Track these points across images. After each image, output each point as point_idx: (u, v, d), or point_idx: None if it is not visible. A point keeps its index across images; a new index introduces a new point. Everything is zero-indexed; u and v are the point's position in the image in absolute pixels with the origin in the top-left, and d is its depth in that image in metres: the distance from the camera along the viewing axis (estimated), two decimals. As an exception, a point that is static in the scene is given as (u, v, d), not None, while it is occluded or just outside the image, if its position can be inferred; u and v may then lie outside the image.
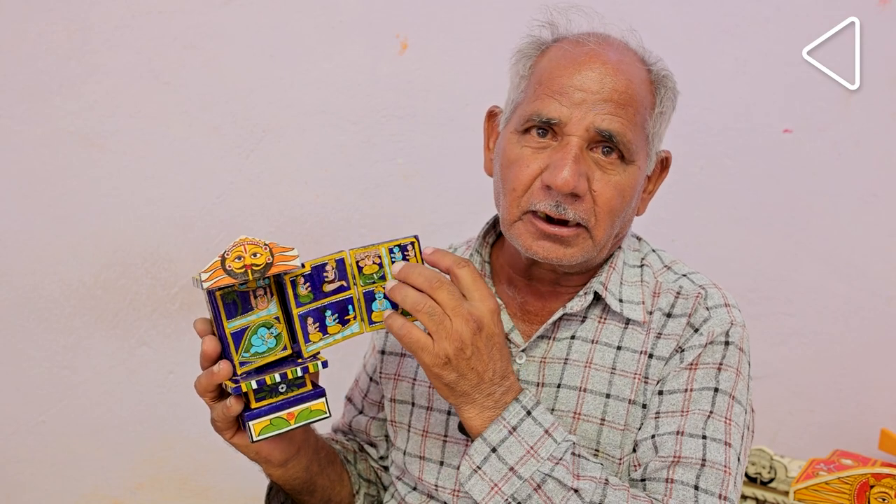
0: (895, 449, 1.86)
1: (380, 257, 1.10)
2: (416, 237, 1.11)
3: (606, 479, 1.08)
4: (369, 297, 1.11)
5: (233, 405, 1.05)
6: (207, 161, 2.04)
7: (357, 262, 1.09)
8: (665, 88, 1.22)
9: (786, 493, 1.76)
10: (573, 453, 1.09)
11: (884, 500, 1.65)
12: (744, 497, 1.81)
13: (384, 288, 1.10)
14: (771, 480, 1.80)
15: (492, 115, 1.30)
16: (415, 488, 1.28)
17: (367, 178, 2.06)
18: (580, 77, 1.15)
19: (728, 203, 2.01)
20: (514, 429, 1.07)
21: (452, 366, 1.05)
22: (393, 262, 1.10)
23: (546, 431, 1.08)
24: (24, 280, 2.04)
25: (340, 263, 1.09)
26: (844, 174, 1.96)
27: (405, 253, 1.11)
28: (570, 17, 1.24)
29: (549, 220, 1.16)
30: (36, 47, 1.97)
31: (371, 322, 1.12)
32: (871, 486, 1.66)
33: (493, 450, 1.07)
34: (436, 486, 1.23)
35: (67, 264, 2.04)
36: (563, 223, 1.16)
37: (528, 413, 1.09)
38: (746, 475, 1.81)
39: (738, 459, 1.14)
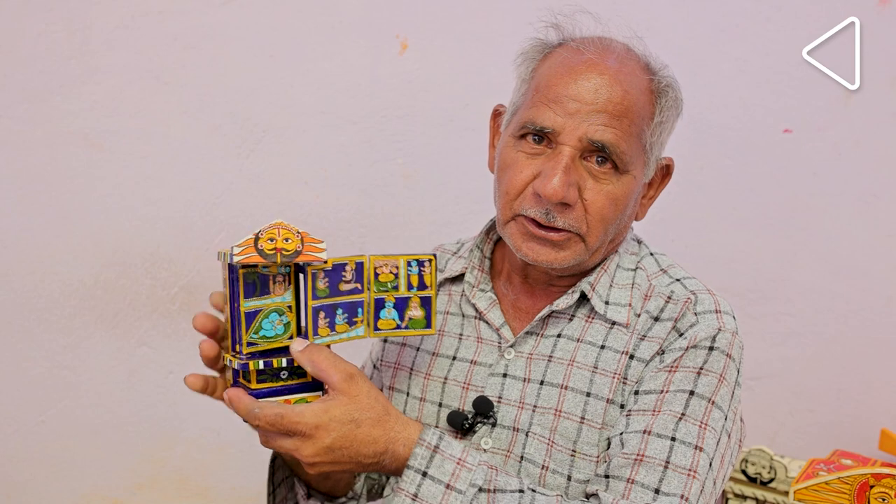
0: (895, 449, 1.86)
1: (397, 268, 1.13)
2: (434, 255, 1.16)
3: None
4: (379, 304, 1.13)
5: (205, 349, 1.10)
6: (207, 161, 2.04)
7: (375, 269, 1.12)
8: (666, 98, 1.21)
9: (786, 494, 1.76)
10: (482, 489, 1.07)
11: (884, 500, 1.65)
12: (744, 497, 1.81)
13: (394, 299, 1.14)
14: (771, 480, 1.80)
15: (497, 115, 1.32)
16: None
17: (367, 178, 2.06)
18: (575, 87, 1.15)
19: (728, 203, 2.00)
20: (416, 496, 1.07)
21: (317, 466, 1.08)
22: (409, 275, 1.14)
23: (447, 486, 1.07)
24: (24, 280, 2.04)
25: (359, 266, 1.11)
26: (844, 174, 1.95)
27: (422, 268, 1.14)
28: (576, 21, 1.23)
29: (539, 224, 1.17)
30: (36, 47, 1.97)
31: (376, 328, 1.14)
32: (871, 486, 1.66)
33: None
34: None
35: (67, 264, 2.04)
36: (554, 228, 1.17)
37: (424, 475, 1.07)
38: (746, 475, 1.81)
39: (710, 465, 1.11)
